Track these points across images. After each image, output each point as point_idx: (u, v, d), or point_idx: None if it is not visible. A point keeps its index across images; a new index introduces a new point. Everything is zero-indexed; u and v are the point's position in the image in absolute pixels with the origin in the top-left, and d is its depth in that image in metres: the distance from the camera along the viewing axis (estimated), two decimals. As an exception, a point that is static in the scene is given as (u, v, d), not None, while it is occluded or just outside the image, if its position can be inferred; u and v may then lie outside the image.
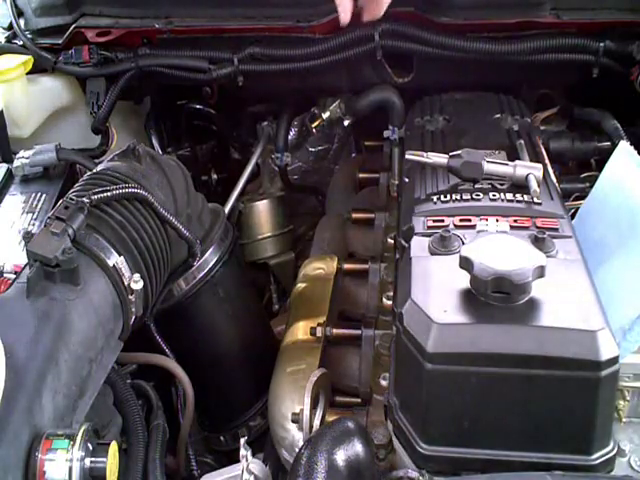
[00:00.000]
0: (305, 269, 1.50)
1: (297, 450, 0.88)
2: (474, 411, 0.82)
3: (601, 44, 1.45)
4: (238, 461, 1.11)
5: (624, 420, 0.97)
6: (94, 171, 1.17)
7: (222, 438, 1.48)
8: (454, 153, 1.10)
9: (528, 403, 0.81)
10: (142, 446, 1.07)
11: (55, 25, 1.60)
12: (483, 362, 0.80)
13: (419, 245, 0.97)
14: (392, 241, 1.34)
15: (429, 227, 1.01)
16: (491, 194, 1.06)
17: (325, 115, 1.69)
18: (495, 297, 0.82)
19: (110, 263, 1.02)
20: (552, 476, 0.76)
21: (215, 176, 1.93)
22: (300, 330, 1.33)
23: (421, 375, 0.82)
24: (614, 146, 1.20)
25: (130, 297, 1.05)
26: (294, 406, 1.14)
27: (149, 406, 1.18)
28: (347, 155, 1.97)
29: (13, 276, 1.12)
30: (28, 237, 0.94)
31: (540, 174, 1.07)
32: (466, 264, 0.83)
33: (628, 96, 1.46)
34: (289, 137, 1.83)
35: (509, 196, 1.06)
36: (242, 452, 0.92)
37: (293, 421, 1.10)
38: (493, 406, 0.82)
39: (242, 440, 0.93)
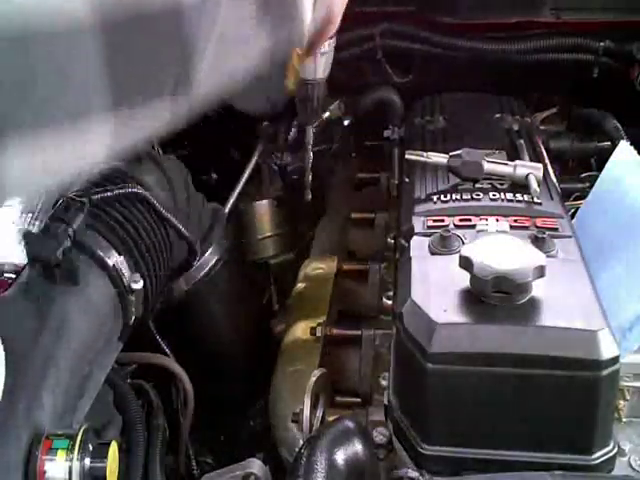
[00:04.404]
0: (305, 269, 1.50)
1: (297, 450, 0.88)
2: (474, 411, 0.82)
3: (601, 44, 1.46)
4: (238, 461, 1.12)
5: (624, 420, 0.97)
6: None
7: (222, 438, 1.48)
8: (454, 153, 1.10)
9: (528, 403, 0.81)
10: (142, 446, 1.07)
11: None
12: (483, 362, 0.80)
13: (419, 245, 0.97)
14: (392, 241, 1.34)
15: (429, 227, 1.01)
16: (491, 194, 1.06)
17: (325, 115, 1.69)
18: (495, 297, 0.82)
19: (110, 263, 1.02)
20: (552, 476, 0.76)
21: (215, 176, 1.93)
22: (300, 330, 1.33)
23: (421, 375, 0.82)
24: (614, 146, 1.20)
25: (130, 297, 1.05)
26: (294, 406, 1.13)
27: (149, 406, 1.18)
28: (347, 155, 1.97)
29: (13, 276, 1.12)
30: (28, 237, 0.94)
31: (540, 174, 1.07)
32: (466, 264, 0.83)
33: (628, 96, 1.47)
34: (289, 137, 1.82)
35: (509, 196, 1.06)
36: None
37: (293, 421, 1.10)
38: (493, 406, 0.82)
39: None
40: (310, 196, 1.46)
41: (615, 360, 0.79)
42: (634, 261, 1.01)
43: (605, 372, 0.78)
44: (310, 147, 1.26)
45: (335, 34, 1.22)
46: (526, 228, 0.98)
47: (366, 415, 1.10)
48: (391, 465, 0.95)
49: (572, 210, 1.17)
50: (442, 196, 1.07)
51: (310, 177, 1.37)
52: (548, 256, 0.87)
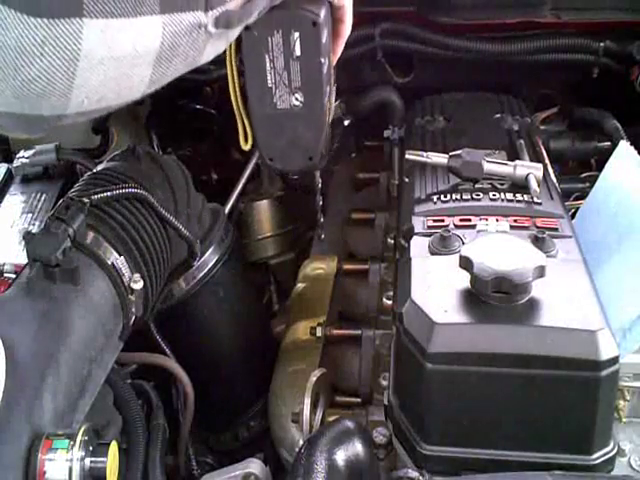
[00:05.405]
0: (305, 269, 1.50)
1: (297, 450, 0.88)
2: (474, 411, 0.82)
3: (601, 44, 1.46)
4: (238, 461, 1.12)
5: (624, 420, 0.97)
6: (94, 171, 1.17)
7: (222, 438, 1.48)
8: (454, 153, 1.10)
9: (528, 403, 0.81)
10: (142, 446, 1.07)
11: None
12: (483, 362, 0.80)
13: (419, 245, 0.97)
14: (392, 241, 1.34)
15: (429, 227, 1.01)
16: (491, 194, 1.06)
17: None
18: (495, 297, 0.82)
19: (110, 263, 1.02)
20: (552, 476, 0.76)
21: (215, 176, 1.93)
22: (300, 330, 1.33)
23: (421, 375, 0.82)
24: (614, 146, 1.20)
25: (130, 297, 1.05)
26: (294, 406, 1.14)
27: (149, 406, 1.18)
28: (347, 155, 1.97)
29: (13, 276, 1.12)
30: (28, 237, 0.94)
31: (540, 174, 1.07)
32: (466, 264, 0.83)
33: (628, 96, 1.47)
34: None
35: (509, 196, 1.06)
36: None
37: (293, 421, 1.10)
38: (493, 406, 0.82)
39: None
40: (323, 235, 1.46)
41: (614, 360, 0.79)
42: (634, 261, 1.01)
43: (605, 372, 0.79)
44: (320, 190, 1.25)
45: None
46: (526, 228, 0.98)
47: (366, 415, 1.10)
48: (391, 465, 0.96)
49: (572, 210, 1.17)
50: (442, 196, 1.07)
51: (322, 218, 1.37)
52: (548, 256, 0.87)
